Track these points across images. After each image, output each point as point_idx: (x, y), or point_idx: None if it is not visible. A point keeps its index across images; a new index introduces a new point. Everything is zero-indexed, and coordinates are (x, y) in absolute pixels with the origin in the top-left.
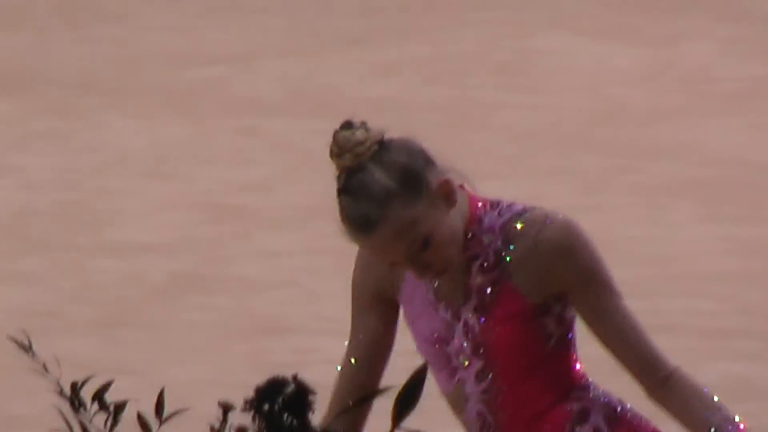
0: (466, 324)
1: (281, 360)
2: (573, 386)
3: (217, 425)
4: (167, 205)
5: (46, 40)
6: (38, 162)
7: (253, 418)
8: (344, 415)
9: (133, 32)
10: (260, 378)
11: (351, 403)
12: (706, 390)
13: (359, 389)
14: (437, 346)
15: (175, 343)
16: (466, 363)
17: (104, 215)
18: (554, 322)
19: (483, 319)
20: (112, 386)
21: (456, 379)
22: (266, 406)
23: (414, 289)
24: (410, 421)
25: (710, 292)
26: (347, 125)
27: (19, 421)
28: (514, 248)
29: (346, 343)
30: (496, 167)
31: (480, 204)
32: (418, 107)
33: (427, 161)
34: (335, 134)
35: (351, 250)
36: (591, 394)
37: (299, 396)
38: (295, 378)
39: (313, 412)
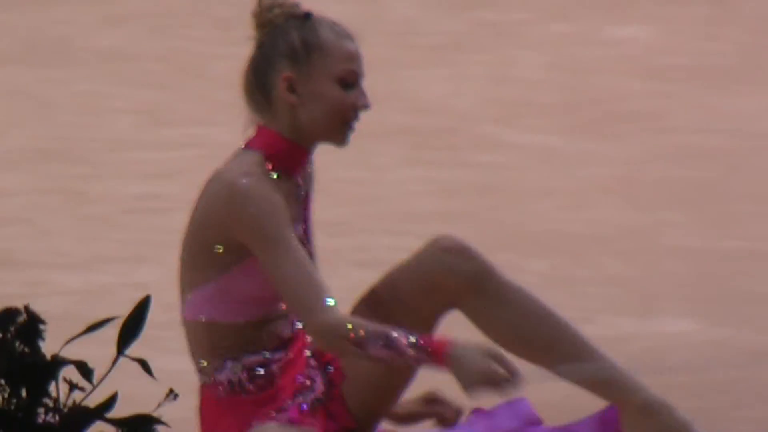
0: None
1: (13, 292)
2: None
3: None
4: None
5: None
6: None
7: None
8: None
9: None
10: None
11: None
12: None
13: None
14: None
15: None
16: None
17: None
18: None
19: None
20: None
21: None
22: (0, 334)
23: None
24: (133, 349)
25: (413, 230)
26: None
27: None
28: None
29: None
30: (212, 114)
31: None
32: (144, 57)
33: None
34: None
35: (79, 190)
36: None
37: (30, 324)
38: (26, 308)
39: (43, 340)
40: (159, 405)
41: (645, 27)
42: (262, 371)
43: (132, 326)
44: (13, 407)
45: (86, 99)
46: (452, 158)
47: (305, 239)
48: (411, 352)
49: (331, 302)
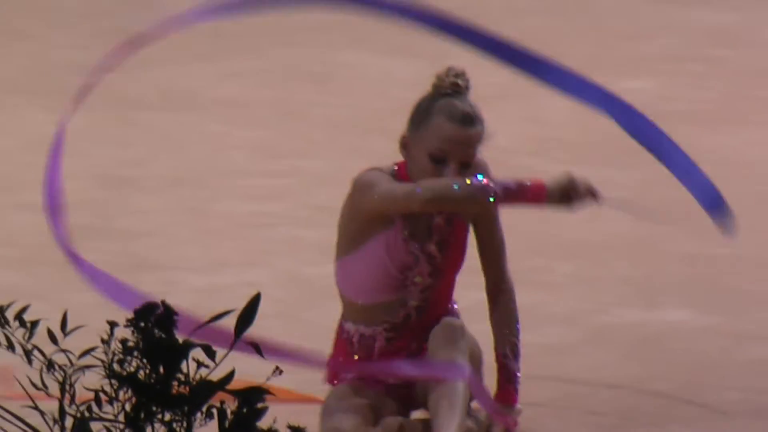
0: (429, 255)
1: (152, 290)
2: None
3: (106, 338)
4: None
5: None
6: None
7: (133, 332)
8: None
9: None
10: (138, 303)
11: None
12: None
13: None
14: (401, 272)
15: (75, 276)
16: (419, 280)
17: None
18: (467, 241)
19: (442, 251)
20: (29, 309)
21: (405, 291)
22: (142, 324)
23: (395, 233)
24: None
25: None
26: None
27: None
28: None
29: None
30: (309, 149)
31: None
32: (255, 104)
33: None
34: (457, 68)
35: (204, 209)
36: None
37: (166, 316)
38: (162, 302)
39: (176, 329)
40: (267, 379)
41: (650, 80)
42: (367, 341)
43: (246, 317)
44: (152, 381)
45: (210, 137)
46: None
47: (437, 255)
48: (515, 189)
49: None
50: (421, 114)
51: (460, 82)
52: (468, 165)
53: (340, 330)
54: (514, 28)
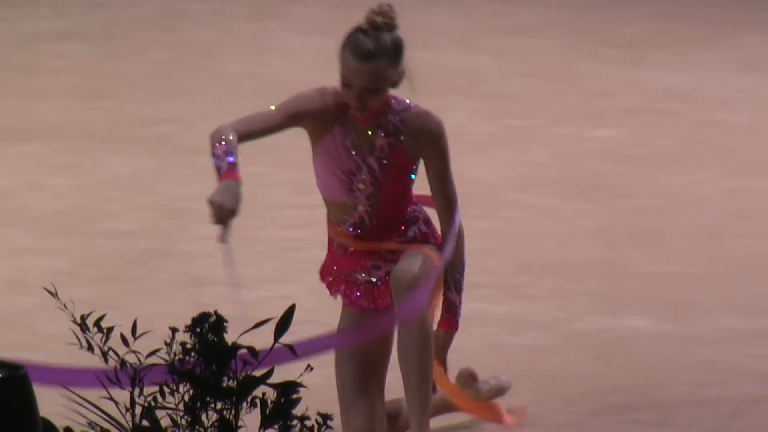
0: (369, 166)
1: (206, 302)
2: (410, 204)
3: (168, 341)
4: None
5: None
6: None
7: (191, 337)
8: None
9: None
10: (195, 312)
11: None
12: None
13: (257, 125)
14: (346, 176)
15: (145, 291)
16: (362, 187)
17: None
18: (414, 171)
19: (381, 166)
20: (105, 317)
21: (353, 195)
22: (198, 329)
23: (335, 139)
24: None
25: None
26: (389, 5)
27: (49, 338)
28: (405, 128)
29: (273, 107)
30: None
31: (391, 96)
32: (290, 150)
33: (403, 56)
34: (383, 4)
35: (249, 235)
36: (416, 209)
37: (218, 323)
38: (215, 312)
39: (226, 332)
40: (300, 374)
41: (616, 129)
42: (339, 238)
43: (283, 324)
44: (207, 376)
45: (254, 177)
46: (488, 214)
47: (376, 168)
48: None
49: None
50: (341, 43)
51: (377, 19)
52: (372, 90)
53: (327, 229)
54: (505, 86)
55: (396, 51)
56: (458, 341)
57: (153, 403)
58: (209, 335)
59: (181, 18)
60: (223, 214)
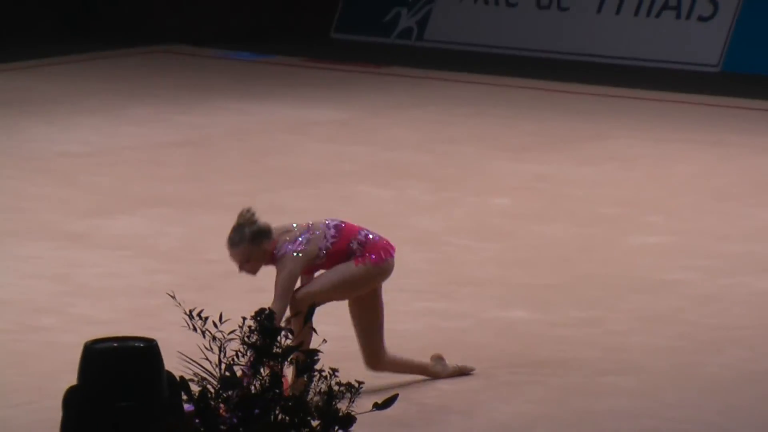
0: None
1: (264, 301)
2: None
3: (241, 324)
4: None
5: None
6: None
7: (255, 322)
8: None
9: None
10: (255, 308)
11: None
12: None
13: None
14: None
15: (226, 296)
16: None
17: None
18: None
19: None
20: (203, 311)
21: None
22: (258, 318)
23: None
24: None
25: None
26: (249, 211)
27: (170, 323)
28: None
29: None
30: None
31: (276, 245)
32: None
33: (267, 235)
34: (246, 211)
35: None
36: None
37: (270, 314)
38: (268, 308)
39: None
40: (319, 345)
41: (506, 198)
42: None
43: (307, 317)
44: (263, 345)
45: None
46: (432, 249)
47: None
48: None
49: None
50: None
51: (240, 220)
52: (245, 263)
53: None
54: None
55: (253, 239)
56: (411, 325)
57: (231, 362)
58: (264, 321)
59: None
60: None
